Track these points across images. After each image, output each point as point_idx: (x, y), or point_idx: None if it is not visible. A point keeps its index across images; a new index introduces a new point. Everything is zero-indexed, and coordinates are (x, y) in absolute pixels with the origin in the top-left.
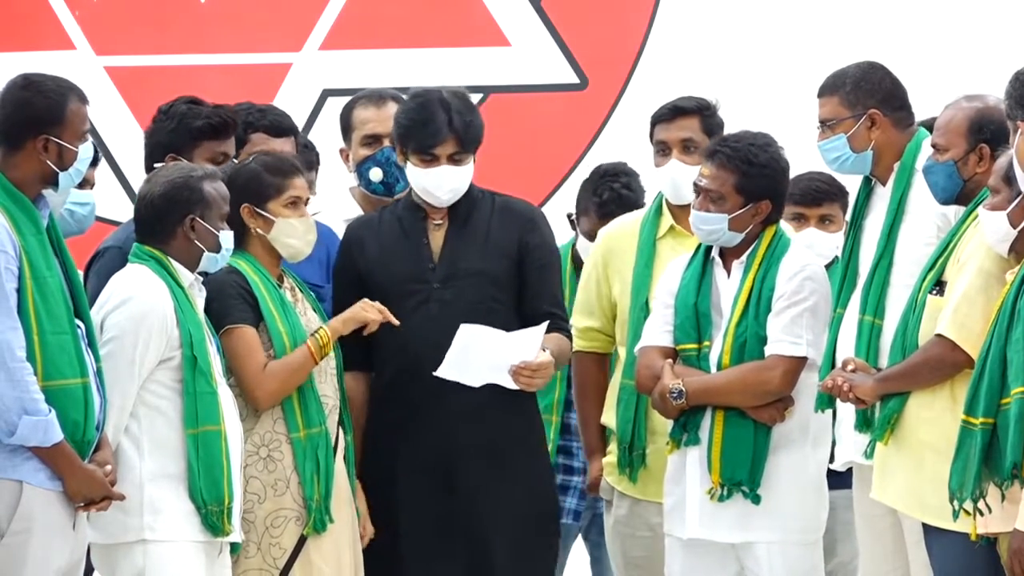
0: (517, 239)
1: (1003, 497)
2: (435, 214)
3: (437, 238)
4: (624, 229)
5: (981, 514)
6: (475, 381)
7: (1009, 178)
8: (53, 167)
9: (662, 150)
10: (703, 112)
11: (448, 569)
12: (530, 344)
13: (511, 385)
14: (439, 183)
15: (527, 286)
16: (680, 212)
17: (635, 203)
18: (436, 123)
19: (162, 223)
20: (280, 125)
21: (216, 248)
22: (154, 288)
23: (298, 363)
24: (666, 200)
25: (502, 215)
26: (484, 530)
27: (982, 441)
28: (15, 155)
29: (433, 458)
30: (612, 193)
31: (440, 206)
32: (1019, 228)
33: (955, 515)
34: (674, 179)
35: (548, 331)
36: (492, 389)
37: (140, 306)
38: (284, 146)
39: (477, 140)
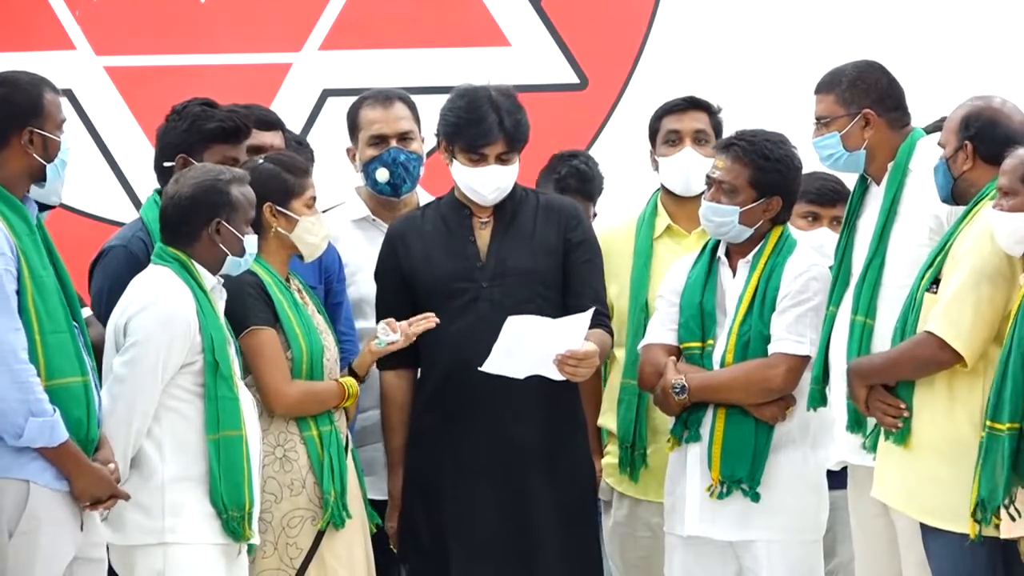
0: (562, 236)
1: None
2: (481, 212)
3: (484, 236)
4: (619, 231)
5: (1013, 520)
6: (520, 373)
7: None
8: (40, 160)
9: (672, 140)
10: (711, 110)
11: (497, 568)
12: (576, 332)
13: (556, 376)
14: (486, 182)
15: (570, 282)
16: (677, 211)
17: (592, 178)
18: (487, 123)
19: (188, 225)
20: (267, 119)
21: (240, 252)
22: (177, 292)
23: (324, 394)
24: (662, 200)
25: (546, 212)
26: (534, 529)
27: (1010, 446)
28: (1, 154)
29: (483, 457)
30: (570, 168)
31: (486, 205)
32: None
33: (986, 521)
34: (687, 167)
35: (591, 325)
36: (540, 388)
37: (164, 310)
38: (273, 139)
39: (525, 139)
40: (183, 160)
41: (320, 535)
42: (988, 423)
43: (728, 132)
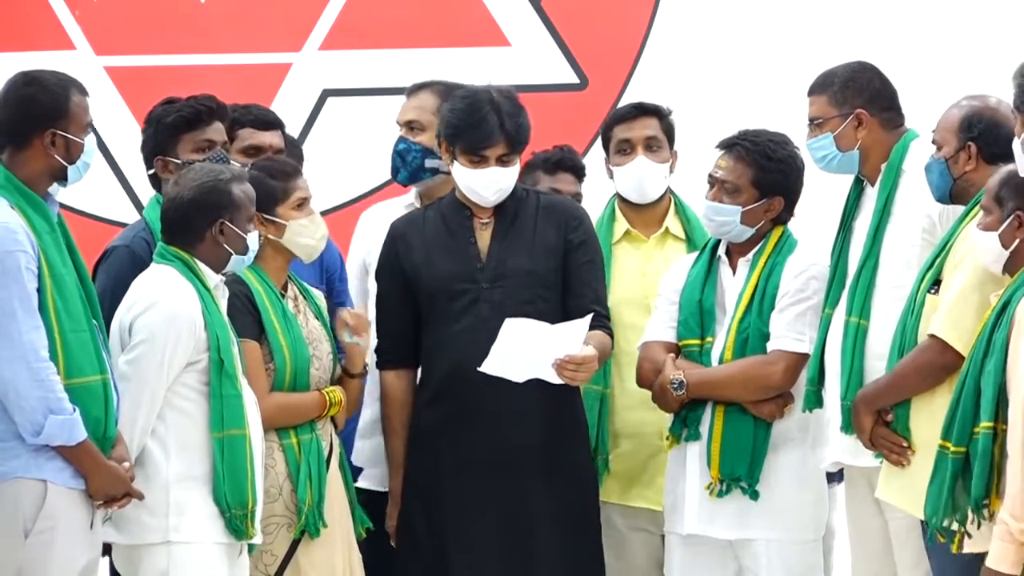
0: (563, 237)
1: (979, 524)
2: (481, 213)
3: (484, 237)
4: None
5: (955, 538)
6: (519, 376)
7: (1000, 198)
8: (62, 161)
9: (624, 149)
10: (661, 114)
11: (496, 569)
12: (574, 337)
13: (555, 380)
14: (486, 184)
15: (570, 283)
16: (635, 215)
17: (575, 152)
18: (488, 126)
19: (191, 226)
20: (265, 119)
21: (243, 250)
22: (182, 290)
23: (303, 407)
24: (619, 205)
25: (547, 213)
26: (534, 531)
27: (953, 468)
28: (23, 153)
29: (483, 458)
30: (557, 149)
31: (486, 206)
32: (1011, 249)
33: (930, 538)
34: (641, 176)
35: (591, 328)
36: (540, 389)
37: (170, 309)
38: (272, 139)
39: (526, 141)
40: (162, 162)
41: (296, 542)
42: (940, 441)
43: (729, 133)
